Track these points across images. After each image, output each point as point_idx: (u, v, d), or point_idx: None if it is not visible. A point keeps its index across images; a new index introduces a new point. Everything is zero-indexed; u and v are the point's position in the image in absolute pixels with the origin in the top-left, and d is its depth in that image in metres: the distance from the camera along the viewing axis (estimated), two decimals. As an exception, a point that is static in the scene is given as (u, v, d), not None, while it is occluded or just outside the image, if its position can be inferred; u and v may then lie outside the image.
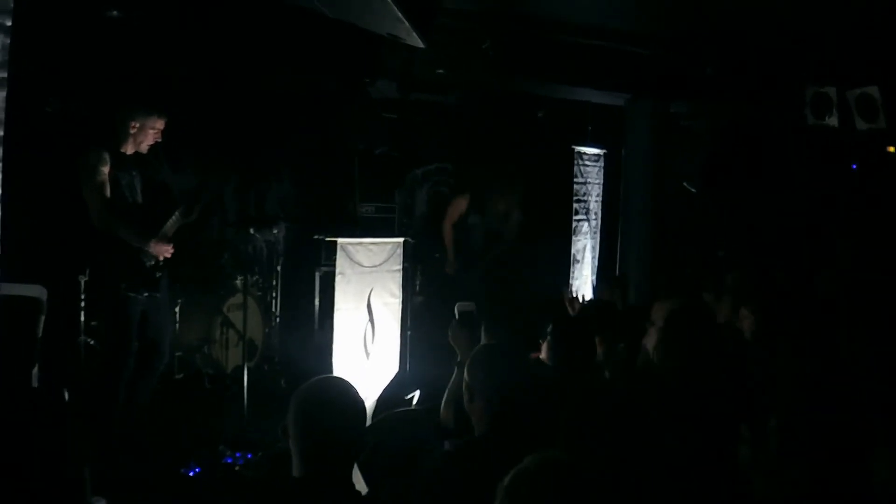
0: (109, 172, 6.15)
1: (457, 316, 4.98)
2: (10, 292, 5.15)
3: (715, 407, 3.98)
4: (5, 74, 4.55)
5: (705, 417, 3.89)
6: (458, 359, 4.75)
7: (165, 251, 6.31)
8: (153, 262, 6.29)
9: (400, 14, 5.25)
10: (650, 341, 4.86)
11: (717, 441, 3.75)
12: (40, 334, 5.71)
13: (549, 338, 4.82)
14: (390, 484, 3.85)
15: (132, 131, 6.29)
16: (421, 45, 6.09)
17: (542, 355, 4.87)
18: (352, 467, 3.03)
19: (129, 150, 6.33)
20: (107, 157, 6.14)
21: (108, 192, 6.13)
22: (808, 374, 4.43)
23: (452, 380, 4.63)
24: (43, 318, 5.70)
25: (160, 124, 6.38)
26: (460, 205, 9.08)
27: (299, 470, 2.93)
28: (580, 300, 7.30)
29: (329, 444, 2.91)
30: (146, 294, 6.27)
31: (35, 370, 5.64)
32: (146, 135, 6.34)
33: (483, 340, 5.03)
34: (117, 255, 6.18)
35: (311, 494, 2.87)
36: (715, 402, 4.03)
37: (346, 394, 3.03)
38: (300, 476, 2.92)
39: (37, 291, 5.59)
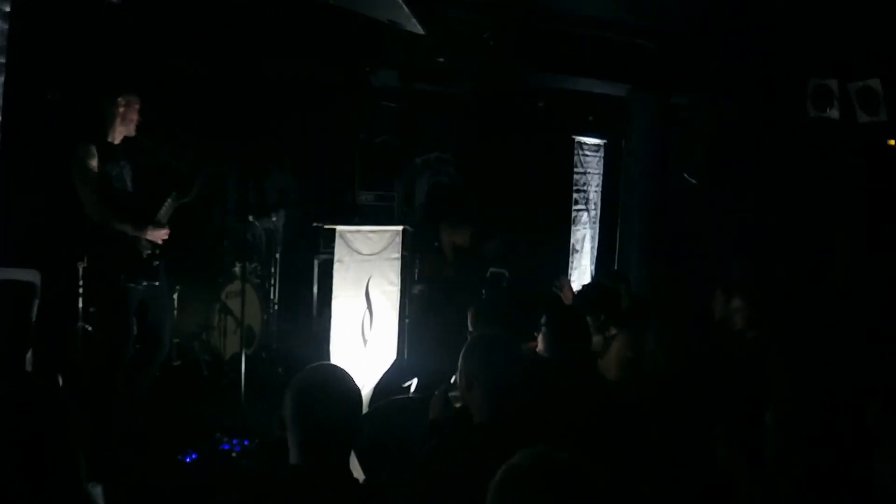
0: (98, 166, 6.13)
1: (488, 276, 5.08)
2: (5, 276, 5.16)
3: (699, 405, 3.98)
4: (4, 61, 4.55)
5: (691, 415, 3.89)
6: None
7: (161, 236, 6.31)
8: (150, 251, 6.28)
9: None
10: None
11: (698, 440, 3.75)
12: (34, 318, 5.73)
13: (543, 329, 4.82)
14: (387, 471, 3.85)
15: (121, 109, 6.25)
16: (420, 31, 6.06)
17: (539, 346, 4.87)
18: (349, 455, 3.02)
19: (116, 137, 6.29)
20: (94, 150, 6.11)
21: (98, 185, 6.11)
22: (806, 369, 4.43)
23: None
24: (37, 302, 5.71)
25: (137, 101, 6.34)
26: (460, 239, 9.13)
27: (296, 459, 2.93)
28: (570, 289, 7.33)
29: (325, 433, 2.89)
30: (145, 283, 6.26)
31: (29, 354, 5.66)
32: (133, 113, 6.30)
33: (471, 330, 5.07)
34: (114, 246, 6.17)
35: (308, 482, 2.86)
36: (700, 400, 4.03)
37: (341, 381, 3.02)
38: (297, 464, 2.92)
39: (31, 276, 5.60)
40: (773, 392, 3.29)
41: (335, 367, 3.19)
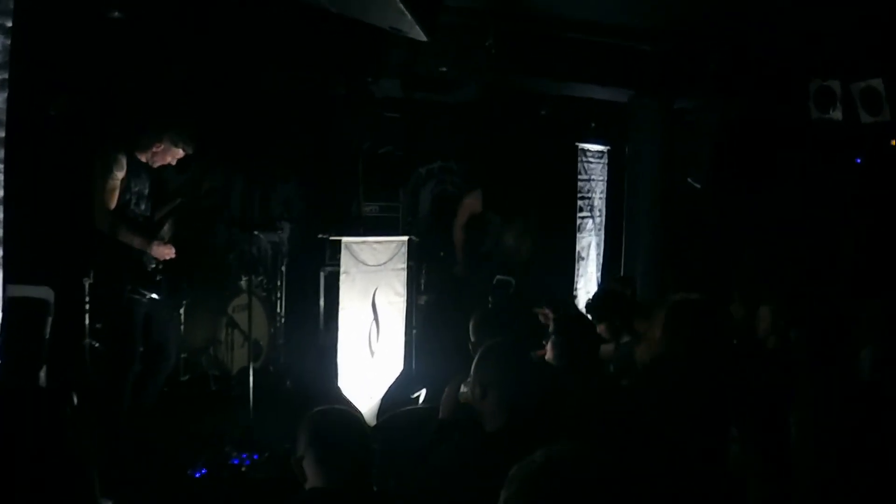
0: (123, 178, 6.19)
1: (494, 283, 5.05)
2: (19, 294, 5.19)
3: (711, 404, 3.95)
4: (6, 76, 4.53)
5: (701, 414, 3.87)
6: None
7: (167, 253, 6.34)
8: (154, 265, 6.31)
9: (402, 6, 5.21)
10: (653, 333, 4.85)
11: (710, 439, 3.73)
12: (48, 335, 5.73)
13: (552, 337, 4.80)
14: (400, 483, 3.83)
15: (155, 149, 6.39)
16: (423, 38, 6.03)
17: (548, 355, 4.85)
18: (370, 475, 3.08)
19: (143, 158, 6.40)
20: (124, 161, 6.22)
21: (115, 197, 6.16)
22: (829, 370, 4.39)
23: None
24: (50, 319, 5.73)
25: (181, 154, 6.46)
26: (472, 205, 9.08)
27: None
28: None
29: (350, 463, 3.03)
30: (147, 296, 6.27)
31: (42, 371, 5.66)
32: (164, 158, 6.44)
33: (472, 339, 5.04)
34: (120, 258, 6.20)
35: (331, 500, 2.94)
36: (711, 399, 4.00)
37: (349, 414, 3.21)
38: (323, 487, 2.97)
39: (44, 293, 5.63)
40: (796, 393, 3.27)
41: (338, 406, 3.34)
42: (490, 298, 8.29)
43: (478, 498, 2.98)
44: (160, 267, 6.38)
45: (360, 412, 3.24)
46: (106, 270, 6.48)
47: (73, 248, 7.16)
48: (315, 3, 6.03)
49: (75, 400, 6.00)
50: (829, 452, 2.93)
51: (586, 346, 4.79)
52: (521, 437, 3.24)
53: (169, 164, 6.57)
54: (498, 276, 5.49)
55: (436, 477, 3.33)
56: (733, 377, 4.30)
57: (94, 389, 6.72)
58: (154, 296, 6.33)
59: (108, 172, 6.14)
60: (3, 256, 4.66)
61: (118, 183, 6.17)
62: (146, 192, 6.41)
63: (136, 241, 6.23)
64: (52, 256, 7.13)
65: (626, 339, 5.87)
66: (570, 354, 4.69)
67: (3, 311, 4.50)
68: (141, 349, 6.43)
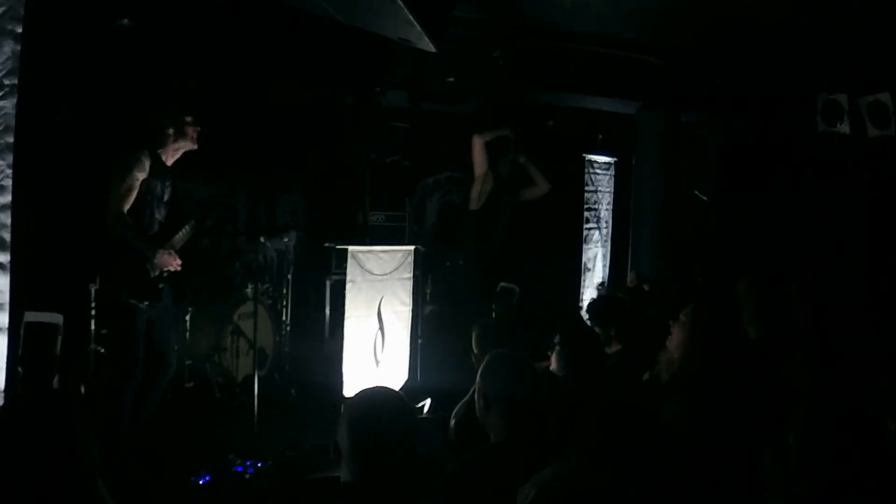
0: (145, 179, 6.04)
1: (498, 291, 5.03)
2: (34, 319, 5.42)
3: (738, 414, 3.94)
4: (15, 81, 4.56)
5: (728, 423, 3.85)
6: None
7: (171, 264, 6.20)
8: (157, 273, 6.18)
9: (411, 17, 5.23)
10: (672, 341, 4.83)
11: (740, 448, 3.71)
12: (58, 352, 5.86)
13: (557, 348, 4.79)
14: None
15: (170, 133, 6.19)
16: (432, 49, 6.04)
17: (553, 366, 4.84)
18: (408, 474, 2.94)
19: (168, 158, 6.25)
20: (147, 164, 6.03)
21: (131, 198, 6.00)
22: (825, 388, 4.38)
23: None
24: (60, 338, 5.83)
25: (192, 136, 6.31)
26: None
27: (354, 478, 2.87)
28: None
29: (387, 452, 2.84)
30: (147, 303, 6.13)
31: (55, 379, 5.81)
32: (185, 137, 6.28)
33: (475, 351, 5.04)
34: (122, 263, 6.10)
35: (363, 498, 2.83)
36: (738, 407, 3.99)
37: (398, 400, 2.99)
38: (354, 481, 2.86)
39: (55, 318, 5.79)
40: (795, 410, 3.25)
41: (387, 388, 3.15)
42: (494, 307, 8.28)
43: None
44: (164, 275, 6.25)
45: (402, 396, 3.07)
46: (109, 275, 6.39)
47: (80, 252, 7.15)
48: (324, 14, 6.05)
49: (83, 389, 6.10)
50: (826, 477, 2.91)
51: (592, 357, 4.78)
52: (526, 449, 3.25)
53: (175, 170, 6.48)
54: (502, 284, 5.49)
55: (443, 489, 3.31)
56: (747, 387, 4.29)
57: (97, 395, 6.73)
58: (153, 304, 6.22)
59: (128, 172, 5.92)
60: (11, 261, 4.68)
61: (137, 184, 5.96)
62: (166, 197, 6.29)
63: (142, 245, 6.11)
64: (59, 261, 7.15)
65: (617, 348, 5.86)
66: (575, 365, 4.69)
67: (22, 333, 4.57)
68: (142, 355, 6.35)
